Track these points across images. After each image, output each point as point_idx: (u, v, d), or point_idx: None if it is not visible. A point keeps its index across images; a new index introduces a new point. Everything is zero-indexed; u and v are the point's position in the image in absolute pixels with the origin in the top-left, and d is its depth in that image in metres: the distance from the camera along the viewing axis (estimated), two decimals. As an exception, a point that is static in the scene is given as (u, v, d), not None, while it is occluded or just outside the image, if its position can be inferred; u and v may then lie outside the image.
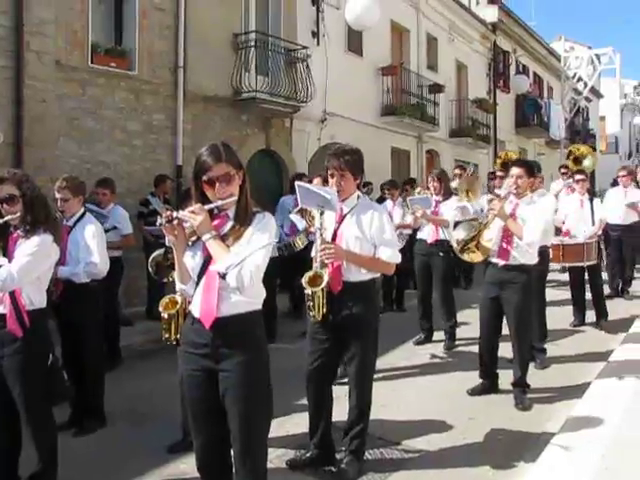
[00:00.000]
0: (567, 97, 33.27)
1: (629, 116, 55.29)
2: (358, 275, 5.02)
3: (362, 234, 4.96)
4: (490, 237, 6.58)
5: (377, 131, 18.80)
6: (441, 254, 8.82)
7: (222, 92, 13.52)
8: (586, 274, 10.05)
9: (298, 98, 14.69)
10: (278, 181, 15.13)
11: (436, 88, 20.84)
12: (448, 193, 8.90)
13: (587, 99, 39.68)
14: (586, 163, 13.47)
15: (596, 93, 44.89)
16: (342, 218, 5.04)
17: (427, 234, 8.95)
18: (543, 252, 7.64)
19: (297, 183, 5.02)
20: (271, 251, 3.75)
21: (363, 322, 5.05)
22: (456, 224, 7.40)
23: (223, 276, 3.58)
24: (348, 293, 5.00)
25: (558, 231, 9.93)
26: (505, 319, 6.74)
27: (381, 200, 11.35)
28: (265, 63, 14.20)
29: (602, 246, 10.96)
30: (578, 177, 10.45)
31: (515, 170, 6.56)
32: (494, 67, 27.56)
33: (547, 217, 7.20)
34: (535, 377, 7.32)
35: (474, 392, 6.95)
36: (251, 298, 3.71)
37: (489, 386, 7.01)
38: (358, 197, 5.07)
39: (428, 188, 9.01)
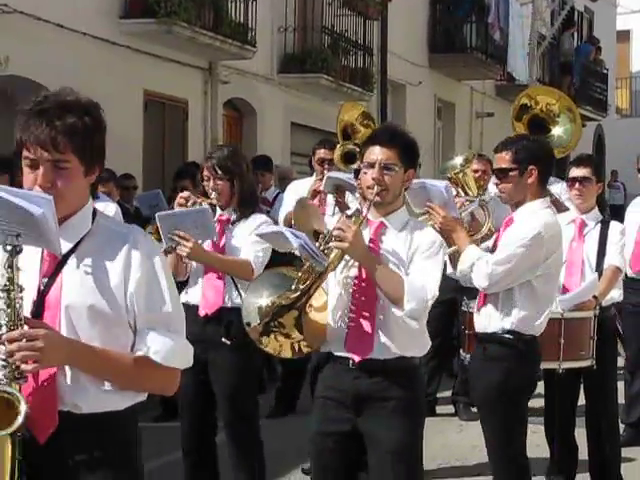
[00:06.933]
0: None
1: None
2: (98, 398, 2.70)
3: (105, 302, 2.69)
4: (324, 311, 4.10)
5: (112, 52, 11.42)
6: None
7: None
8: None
9: None
10: None
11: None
12: (250, 202, 5.47)
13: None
14: (557, 132, 7.90)
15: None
16: (56, 265, 2.71)
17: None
18: (525, 339, 4.79)
19: None
20: None
21: None
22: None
23: None
24: (74, 440, 2.65)
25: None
26: None
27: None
28: None
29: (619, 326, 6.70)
30: (578, 172, 6.17)
31: (379, 152, 4.01)
32: None
33: (511, 253, 4.58)
34: None
35: None
36: None
37: None
38: (95, 216, 2.80)
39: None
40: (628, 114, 30.52)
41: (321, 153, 7.62)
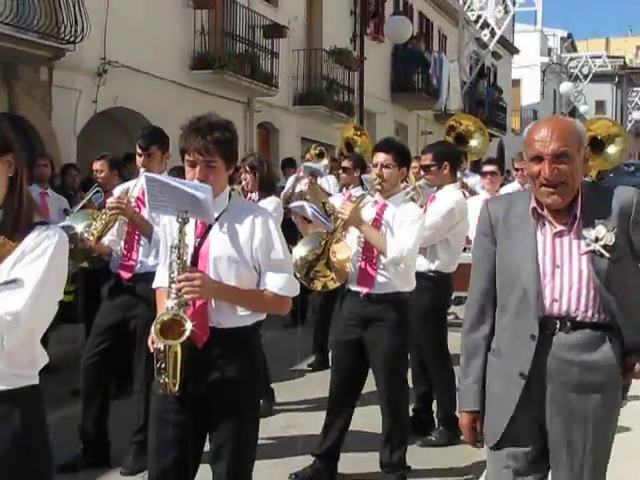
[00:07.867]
0: (467, 51, 19.53)
1: (554, 81, 30.84)
2: (233, 318, 2.58)
3: (238, 254, 2.56)
4: (346, 254, 3.73)
5: (184, 92, 10.70)
6: None
7: None
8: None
9: (62, 36, 7.87)
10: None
11: (275, 31, 11.67)
12: (268, 189, 4.90)
13: (495, 55, 24.36)
14: (473, 144, 7.94)
15: (508, 47, 26.79)
16: (205, 229, 2.59)
17: None
18: (443, 275, 4.44)
19: (147, 175, 2.59)
20: None
21: (240, 391, 2.56)
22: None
23: None
24: (218, 346, 2.54)
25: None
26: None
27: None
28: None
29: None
30: (489, 168, 6.08)
31: (380, 156, 3.74)
32: (362, 3, 15.45)
33: (435, 221, 4.25)
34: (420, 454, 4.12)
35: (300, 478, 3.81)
36: None
37: (325, 469, 3.81)
38: (230, 195, 2.65)
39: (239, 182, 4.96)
40: (519, 133, 30.19)
41: (308, 155, 7.75)
